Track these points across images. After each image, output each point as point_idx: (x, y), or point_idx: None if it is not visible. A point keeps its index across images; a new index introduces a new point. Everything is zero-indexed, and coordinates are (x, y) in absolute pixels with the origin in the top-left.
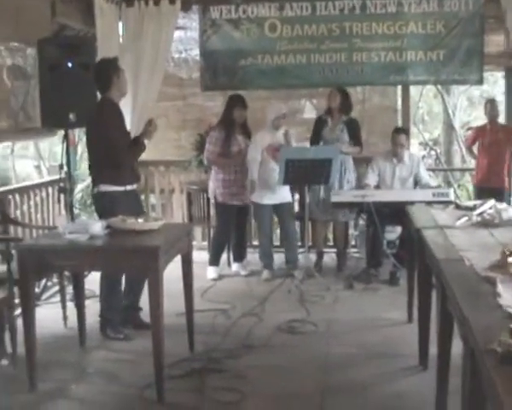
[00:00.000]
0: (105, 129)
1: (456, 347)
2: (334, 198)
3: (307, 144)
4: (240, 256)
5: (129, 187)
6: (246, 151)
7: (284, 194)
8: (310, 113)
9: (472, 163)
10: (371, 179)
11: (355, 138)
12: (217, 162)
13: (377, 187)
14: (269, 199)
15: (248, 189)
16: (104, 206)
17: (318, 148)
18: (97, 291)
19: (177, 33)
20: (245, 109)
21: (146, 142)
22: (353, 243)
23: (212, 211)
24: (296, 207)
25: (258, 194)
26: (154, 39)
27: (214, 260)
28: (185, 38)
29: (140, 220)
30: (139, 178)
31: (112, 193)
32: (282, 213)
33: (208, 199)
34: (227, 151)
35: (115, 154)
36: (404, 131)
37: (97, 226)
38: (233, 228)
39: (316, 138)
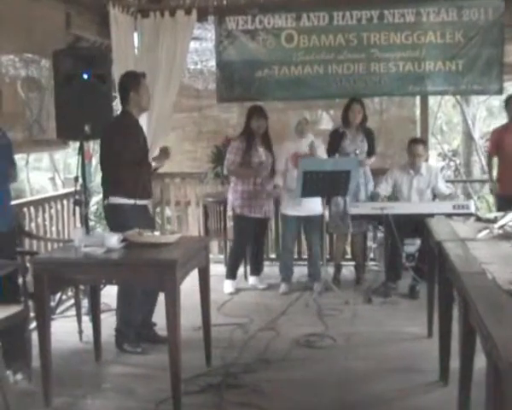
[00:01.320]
0: (114, 142)
1: (479, 362)
2: (353, 210)
3: (322, 155)
4: (257, 270)
5: (139, 202)
6: (267, 163)
7: (313, 206)
8: (327, 124)
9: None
10: (383, 189)
11: (371, 148)
12: (237, 173)
13: (389, 198)
14: (295, 210)
15: (273, 193)
16: (113, 218)
17: (337, 159)
18: (113, 305)
19: (193, 44)
20: (263, 119)
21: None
22: (372, 255)
23: (229, 224)
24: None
25: (285, 204)
26: (170, 50)
27: (231, 274)
28: (201, 48)
29: (156, 233)
30: (150, 194)
31: (121, 206)
32: (308, 226)
33: (225, 211)
34: (248, 162)
35: (121, 168)
36: (421, 141)
37: (113, 239)
38: (251, 241)
39: (332, 150)
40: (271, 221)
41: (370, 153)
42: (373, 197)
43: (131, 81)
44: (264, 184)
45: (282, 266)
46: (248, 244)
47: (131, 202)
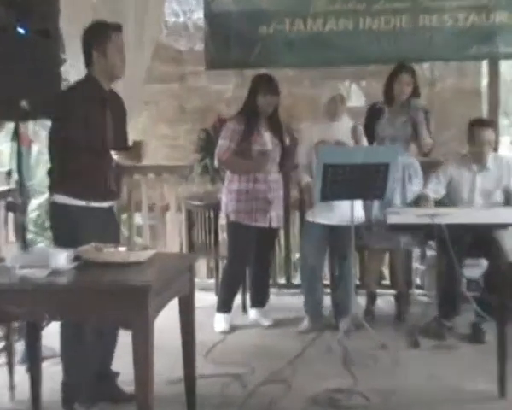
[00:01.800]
0: (63, 118)
1: None
2: (392, 219)
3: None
4: (260, 300)
5: (95, 204)
6: (274, 154)
7: (348, 211)
8: (357, 100)
9: None
10: (433, 190)
11: (420, 134)
12: (231, 163)
13: (442, 202)
14: (324, 217)
15: (306, 197)
16: (58, 225)
17: (370, 149)
18: (59, 349)
19: None
20: (274, 95)
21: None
22: (419, 281)
23: (222, 236)
24: None
25: (315, 208)
26: None
27: (224, 306)
28: None
29: (121, 249)
30: (116, 194)
31: (69, 207)
32: (339, 239)
33: (216, 219)
34: (247, 150)
35: (70, 155)
36: (488, 123)
37: (61, 258)
38: (251, 260)
39: (369, 133)
40: (280, 232)
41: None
42: (419, 201)
43: (96, 36)
44: (268, 181)
45: (305, 291)
46: (248, 264)
47: (81, 203)
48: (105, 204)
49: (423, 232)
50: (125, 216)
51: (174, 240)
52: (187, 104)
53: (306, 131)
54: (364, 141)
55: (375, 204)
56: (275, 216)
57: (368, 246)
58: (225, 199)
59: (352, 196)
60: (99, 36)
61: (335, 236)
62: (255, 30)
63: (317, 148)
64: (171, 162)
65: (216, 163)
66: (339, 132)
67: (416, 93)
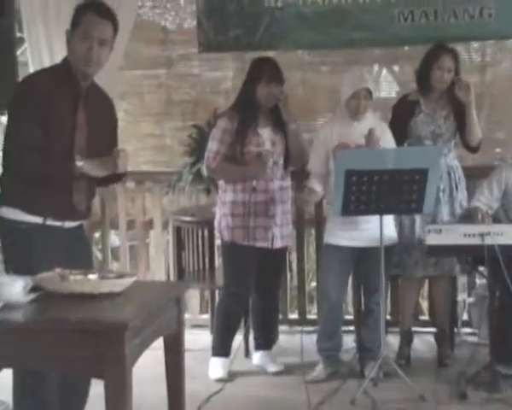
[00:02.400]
0: (24, 114)
1: None
2: (432, 239)
3: (388, 145)
4: (266, 340)
5: (53, 222)
6: (278, 153)
7: (376, 230)
8: (388, 89)
9: None
10: (485, 203)
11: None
12: (221, 171)
13: (493, 218)
14: (347, 238)
15: (306, 198)
16: (9, 245)
17: (404, 151)
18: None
19: None
20: (278, 84)
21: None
22: (466, 317)
23: (219, 260)
24: None
25: (332, 228)
26: None
27: (221, 348)
28: None
29: (92, 277)
30: (83, 213)
31: (20, 224)
32: (370, 266)
33: (212, 238)
34: (239, 153)
35: (29, 160)
36: None
37: (15, 287)
38: (253, 290)
39: (399, 134)
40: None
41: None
42: (468, 216)
43: (73, 17)
44: (269, 190)
45: (323, 333)
46: (249, 295)
47: (38, 220)
48: (69, 224)
49: (471, 256)
50: (97, 235)
51: (159, 265)
52: (175, 95)
53: (323, 132)
54: (386, 143)
55: (418, 220)
56: (279, 234)
57: (403, 273)
58: (218, 213)
59: (381, 211)
60: (73, 16)
61: (362, 261)
62: (261, 2)
63: (336, 152)
64: (155, 168)
65: (205, 172)
66: (362, 133)
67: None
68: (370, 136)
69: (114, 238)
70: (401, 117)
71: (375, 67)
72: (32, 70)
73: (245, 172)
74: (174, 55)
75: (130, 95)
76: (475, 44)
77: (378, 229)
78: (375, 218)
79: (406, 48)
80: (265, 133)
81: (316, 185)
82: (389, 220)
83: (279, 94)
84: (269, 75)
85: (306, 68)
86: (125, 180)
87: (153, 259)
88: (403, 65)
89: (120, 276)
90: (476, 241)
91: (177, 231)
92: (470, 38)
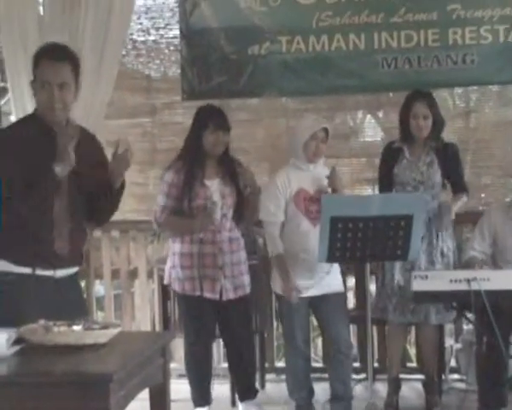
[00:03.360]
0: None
1: None
2: (418, 285)
3: (369, 191)
4: (249, 390)
5: (43, 272)
6: (227, 203)
7: (330, 278)
8: (372, 134)
9: None
10: (480, 250)
11: (456, 179)
12: (168, 226)
13: (491, 263)
14: (303, 288)
15: (277, 275)
16: None
17: (388, 197)
18: None
19: None
20: (226, 131)
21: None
22: (453, 363)
23: None
24: (351, 302)
25: (275, 276)
26: (100, 7)
27: (200, 397)
28: (155, 6)
29: (76, 328)
30: (74, 258)
31: (7, 276)
32: (326, 312)
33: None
34: (188, 207)
35: (7, 206)
36: None
37: None
38: (228, 340)
39: (386, 181)
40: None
41: (455, 189)
42: (467, 266)
43: (32, 67)
44: (217, 241)
45: (290, 383)
46: (210, 342)
47: (25, 271)
48: (61, 273)
49: (458, 302)
50: (82, 284)
51: (144, 315)
52: (159, 144)
53: (280, 179)
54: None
55: (397, 266)
56: (231, 285)
57: (388, 320)
58: (168, 264)
59: (367, 258)
60: (32, 66)
61: (321, 307)
62: (244, 50)
63: (297, 199)
64: (139, 216)
65: (154, 225)
66: (317, 179)
67: (437, 127)
68: (333, 175)
69: (99, 288)
70: (386, 164)
71: (360, 114)
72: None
73: (191, 225)
74: (158, 103)
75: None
76: (459, 90)
77: (330, 277)
78: (328, 267)
79: (391, 94)
80: (214, 185)
81: (276, 242)
82: (335, 270)
83: (226, 141)
84: (215, 122)
85: (291, 115)
86: (110, 229)
87: (138, 308)
88: (387, 111)
89: (105, 327)
90: (463, 286)
91: (162, 280)
92: (453, 83)
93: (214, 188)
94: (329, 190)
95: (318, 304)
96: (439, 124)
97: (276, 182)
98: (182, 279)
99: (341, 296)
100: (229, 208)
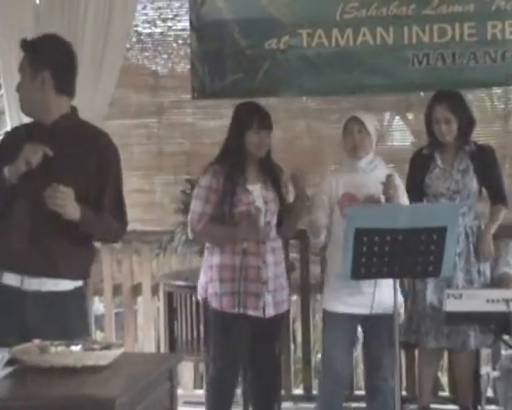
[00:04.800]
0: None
1: None
2: (452, 305)
3: (399, 200)
4: None
5: (28, 285)
6: (271, 211)
7: (384, 294)
8: (401, 138)
9: None
10: None
11: (494, 186)
12: (207, 234)
13: None
14: (348, 304)
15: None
16: None
17: (419, 208)
18: None
19: None
20: (269, 132)
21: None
22: (490, 392)
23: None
24: None
25: (330, 292)
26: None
27: None
28: None
29: (75, 349)
30: (79, 271)
31: None
32: (372, 335)
33: (207, 306)
34: (228, 213)
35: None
36: None
37: None
38: (247, 364)
39: (416, 192)
40: (294, 324)
41: (493, 198)
42: (503, 283)
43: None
44: (261, 252)
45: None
46: (240, 368)
47: (12, 283)
48: (64, 282)
49: (496, 324)
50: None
51: (148, 335)
52: (167, 147)
53: (327, 182)
54: (404, 198)
55: (430, 286)
56: (272, 301)
57: (419, 344)
58: (204, 278)
59: (395, 274)
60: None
61: (366, 329)
62: (261, 45)
63: (342, 204)
64: (144, 227)
65: (190, 235)
66: (372, 184)
67: (463, 130)
68: (389, 182)
69: (99, 305)
70: (417, 173)
71: (387, 115)
72: (8, 118)
73: (234, 234)
74: (166, 102)
75: (117, 146)
76: (498, 90)
77: (383, 293)
78: (380, 281)
79: (422, 94)
80: (256, 190)
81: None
82: (390, 286)
83: (269, 142)
84: (258, 121)
85: (312, 116)
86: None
87: (141, 328)
88: (418, 112)
89: (106, 347)
90: (501, 307)
91: (169, 297)
92: (492, 83)
93: (257, 193)
94: (383, 198)
95: (367, 324)
96: (464, 127)
97: (323, 185)
98: (219, 294)
99: (390, 318)
100: (272, 216)
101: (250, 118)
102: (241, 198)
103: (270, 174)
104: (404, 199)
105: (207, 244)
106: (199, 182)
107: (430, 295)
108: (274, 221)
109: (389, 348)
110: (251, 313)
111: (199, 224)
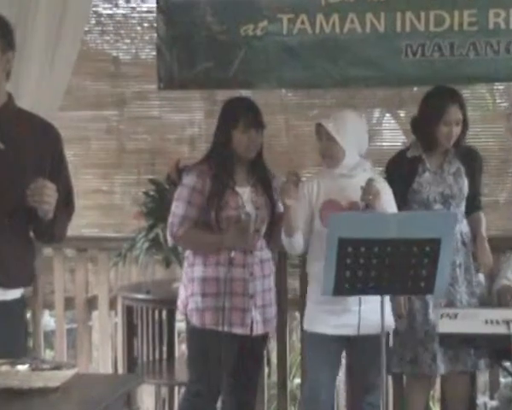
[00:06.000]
0: None
1: None
2: (446, 325)
3: (388, 208)
4: None
5: None
6: (261, 217)
7: (372, 312)
8: (392, 138)
9: None
10: None
11: (477, 194)
12: (190, 241)
13: None
14: (332, 324)
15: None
16: None
17: (411, 216)
18: None
19: None
20: (260, 130)
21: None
22: None
23: (180, 348)
24: None
25: (312, 311)
26: None
27: None
28: None
29: (21, 368)
30: (27, 276)
31: None
32: (362, 357)
33: (172, 321)
34: (214, 218)
35: None
36: None
37: None
38: (224, 384)
39: (401, 200)
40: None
41: (475, 204)
42: (502, 298)
43: None
44: (249, 263)
45: None
46: (219, 394)
47: None
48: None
49: (494, 347)
50: (27, 316)
51: (105, 354)
52: (129, 143)
53: (307, 185)
54: (392, 204)
55: (431, 304)
56: (261, 317)
57: (419, 371)
58: (184, 292)
59: (383, 290)
60: None
61: (354, 354)
62: (236, 30)
63: (323, 211)
64: (101, 232)
65: (169, 241)
66: (357, 189)
67: (465, 132)
68: (369, 187)
69: (49, 320)
70: (401, 178)
71: (377, 112)
72: None
73: (220, 241)
74: (128, 92)
75: (73, 141)
76: (501, 86)
77: (371, 311)
78: (368, 298)
79: (415, 89)
80: (246, 194)
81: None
82: (385, 301)
83: (260, 142)
84: (248, 119)
85: (291, 111)
86: (63, 246)
87: (97, 346)
88: (410, 109)
89: (57, 367)
90: (500, 329)
91: (128, 311)
92: (494, 78)
93: (246, 197)
94: (362, 205)
95: (353, 346)
96: (466, 128)
97: (303, 188)
98: (201, 310)
99: (378, 340)
100: (262, 223)
101: (236, 115)
102: (229, 201)
103: (261, 178)
104: (390, 208)
105: (187, 254)
106: (182, 181)
107: (432, 316)
108: (264, 230)
109: (377, 371)
110: (237, 330)
111: (180, 228)
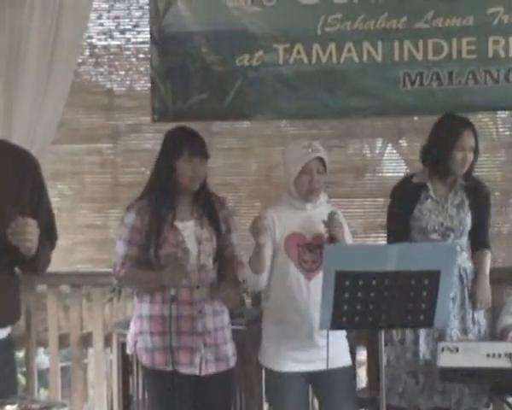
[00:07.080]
0: None
1: None
2: (447, 360)
3: (383, 240)
4: None
5: None
6: (206, 250)
7: (333, 349)
8: (393, 168)
9: None
10: None
11: (482, 230)
12: (131, 280)
13: None
14: (297, 361)
15: (266, 344)
16: None
17: (410, 248)
18: None
19: None
20: (204, 160)
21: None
22: None
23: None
24: (363, 381)
25: (273, 350)
26: (50, 4)
27: None
28: (120, 3)
29: (11, 408)
30: (15, 314)
31: None
32: (328, 392)
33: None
34: (154, 255)
35: None
36: None
37: None
38: None
39: (401, 226)
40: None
41: (481, 241)
42: (502, 337)
43: None
44: (197, 299)
45: None
46: None
47: None
48: None
49: (498, 383)
50: (21, 354)
51: (100, 393)
52: (123, 176)
53: (271, 216)
54: (349, 235)
55: (422, 336)
56: (213, 356)
57: (411, 405)
58: (133, 329)
59: (381, 323)
60: None
61: (322, 386)
62: (231, 61)
63: (287, 248)
64: (96, 268)
65: (114, 282)
66: (319, 221)
67: (475, 161)
68: (332, 221)
69: (44, 358)
70: (405, 204)
71: (377, 142)
72: None
73: (159, 278)
74: (122, 125)
75: (66, 175)
76: (503, 115)
77: (333, 348)
78: (331, 334)
79: (415, 118)
80: (188, 228)
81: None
82: (340, 337)
83: (204, 172)
84: (192, 147)
85: (289, 143)
86: (58, 283)
87: (92, 384)
88: (411, 139)
89: (47, 407)
90: (503, 363)
91: (123, 348)
92: (495, 106)
93: (188, 232)
94: (326, 236)
95: (319, 382)
96: (476, 158)
97: (268, 221)
98: (151, 349)
99: (348, 372)
100: (207, 257)
101: (180, 144)
102: (168, 238)
103: (207, 209)
104: (349, 240)
105: (133, 290)
106: (122, 220)
107: (423, 348)
108: (210, 265)
109: (351, 405)
110: (185, 370)
111: (122, 269)
